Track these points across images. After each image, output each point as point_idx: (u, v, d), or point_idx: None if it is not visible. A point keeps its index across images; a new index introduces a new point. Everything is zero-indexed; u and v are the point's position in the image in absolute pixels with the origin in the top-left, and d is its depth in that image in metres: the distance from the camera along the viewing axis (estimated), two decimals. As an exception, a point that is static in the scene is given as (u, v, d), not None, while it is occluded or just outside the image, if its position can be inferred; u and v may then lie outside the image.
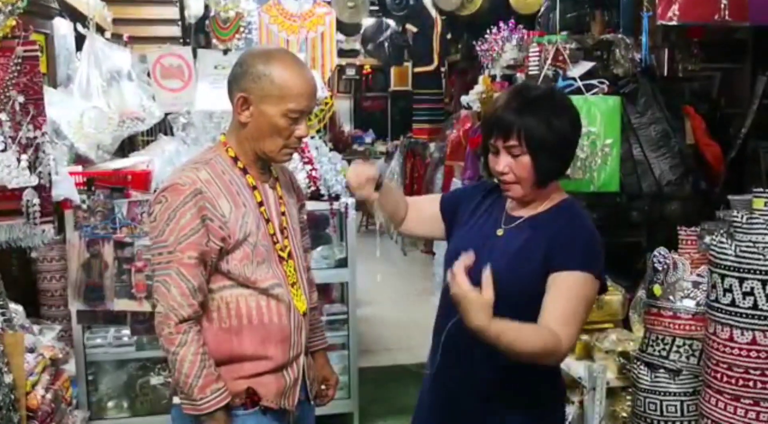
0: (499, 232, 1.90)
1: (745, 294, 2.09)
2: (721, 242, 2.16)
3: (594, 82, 3.33)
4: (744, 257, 2.09)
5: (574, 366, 2.88)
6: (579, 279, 1.76)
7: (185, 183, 1.80)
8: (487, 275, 1.58)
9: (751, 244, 2.08)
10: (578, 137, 1.88)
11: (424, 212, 2.14)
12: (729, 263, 2.13)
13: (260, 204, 1.91)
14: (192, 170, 1.84)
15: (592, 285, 1.78)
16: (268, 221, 1.92)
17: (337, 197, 3.70)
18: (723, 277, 2.15)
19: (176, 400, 1.88)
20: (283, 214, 1.98)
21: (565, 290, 1.74)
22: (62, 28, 3.64)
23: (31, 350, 2.51)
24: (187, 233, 1.78)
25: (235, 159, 1.91)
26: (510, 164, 1.80)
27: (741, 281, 2.10)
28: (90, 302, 3.24)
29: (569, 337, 1.71)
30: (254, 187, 1.91)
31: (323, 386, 2.20)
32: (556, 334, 1.68)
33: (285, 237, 1.97)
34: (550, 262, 1.78)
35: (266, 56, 1.86)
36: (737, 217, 2.14)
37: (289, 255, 1.97)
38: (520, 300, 1.75)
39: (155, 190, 1.95)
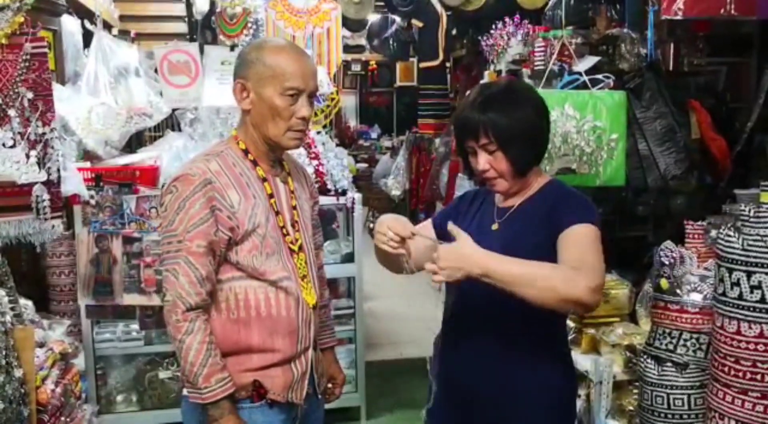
0: (494, 226, 1.94)
1: (752, 288, 2.10)
2: (729, 236, 2.16)
3: (600, 76, 3.33)
4: (751, 251, 2.10)
5: (580, 360, 2.88)
6: (582, 229, 1.80)
7: (195, 174, 1.83)
8: (451, 227, 1.73)
9: (758, 238, 2.08)
10: (546, 122, 1.92)
11: (422, 242, 1.99)
12: (736, 257, 2.13)
13: (270, 196, 1.93)
14: (203, 162, 1.87)
15: (596, 233, 1.81)
16: (277, 213, 1.93)
17: (344, 192, 3.70)
18: (730, 271, 2.15)
19: (186, 391, 1.89)
20: (294, 208, 1.99)
21: (572, 241, 1.78)
22: (70, 24, 3.65)
23: (41, 345, 2.52)
24: (196, 223, 1.81)
25: (246, 152, 1.93)
26: (489, 161, 1.86)
27: (748, 274, 2.10)
28: (99, 296, 3.27)
29: (587, 273, 1.69)
30: (264, 180, 1.93)
31: (330, 385, 2.21)
32: (572, 268, 1.69)
33: (296, 230, 1.98)
34: (553, 229, 1.81)
35: (260, 44, 1.95)
36: (744, 211, 2.14)
37: (300, 248, 1.98)
38: None
39: (163, 185, 1.97)
